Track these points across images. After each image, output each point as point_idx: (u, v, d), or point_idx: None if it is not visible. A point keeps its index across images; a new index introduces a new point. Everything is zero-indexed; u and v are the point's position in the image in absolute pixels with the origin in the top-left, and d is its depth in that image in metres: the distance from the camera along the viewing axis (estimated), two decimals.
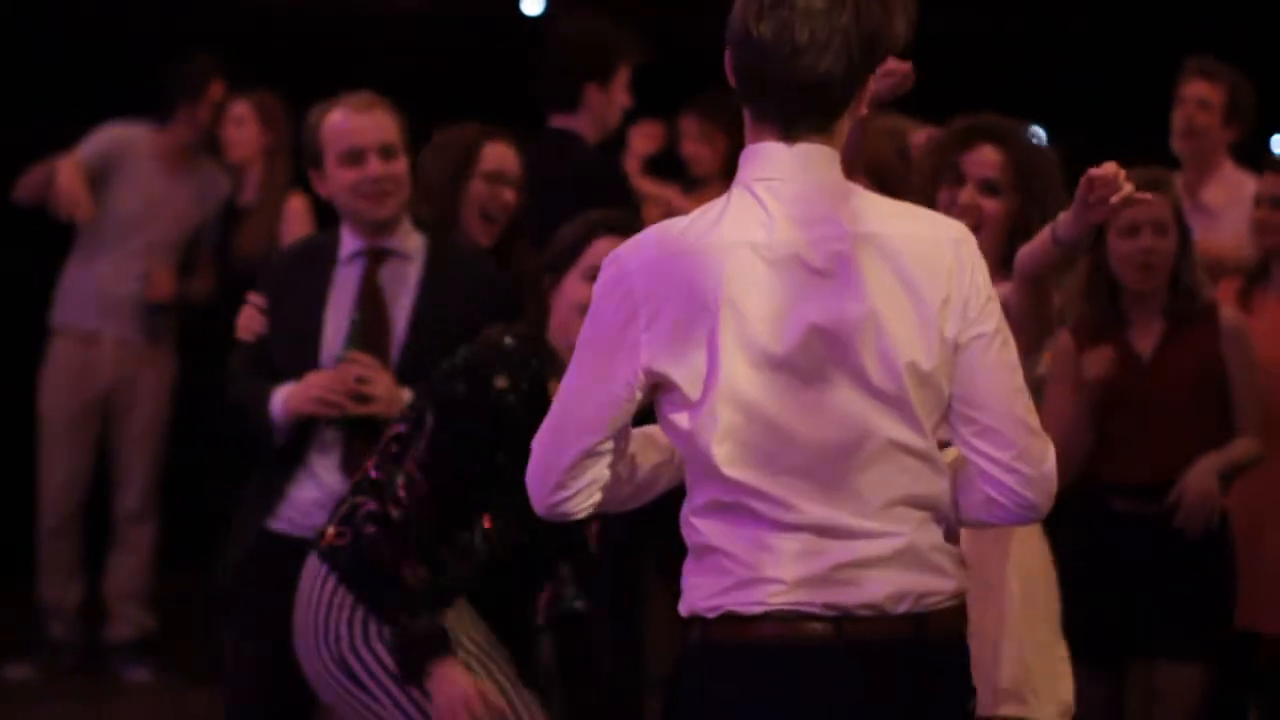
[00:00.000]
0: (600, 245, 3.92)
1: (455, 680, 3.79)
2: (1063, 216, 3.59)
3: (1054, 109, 7.50)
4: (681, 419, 2.83)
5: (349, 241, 4.46)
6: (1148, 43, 7.74)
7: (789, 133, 2.85)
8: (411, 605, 3.82)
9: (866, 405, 2.80)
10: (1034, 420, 2.88)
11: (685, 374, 2.81)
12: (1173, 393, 4.77)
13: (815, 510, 2.80)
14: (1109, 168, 3.43)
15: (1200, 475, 4.71)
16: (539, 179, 4.95)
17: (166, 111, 7.15)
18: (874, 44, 2.84)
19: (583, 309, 3.82)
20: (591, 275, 3.83)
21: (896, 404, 2.80)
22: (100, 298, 7.14)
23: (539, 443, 2.95)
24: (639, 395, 2.86)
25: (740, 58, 2.86)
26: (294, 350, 4.36)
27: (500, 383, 3.84)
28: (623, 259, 2.87)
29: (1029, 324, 3.80)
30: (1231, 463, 4.77)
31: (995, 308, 2.88)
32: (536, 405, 3.76)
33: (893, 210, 2.89)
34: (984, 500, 2.88)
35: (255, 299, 4.47)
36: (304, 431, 4.33)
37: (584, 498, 2.93)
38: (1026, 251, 3.75)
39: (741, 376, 2.79)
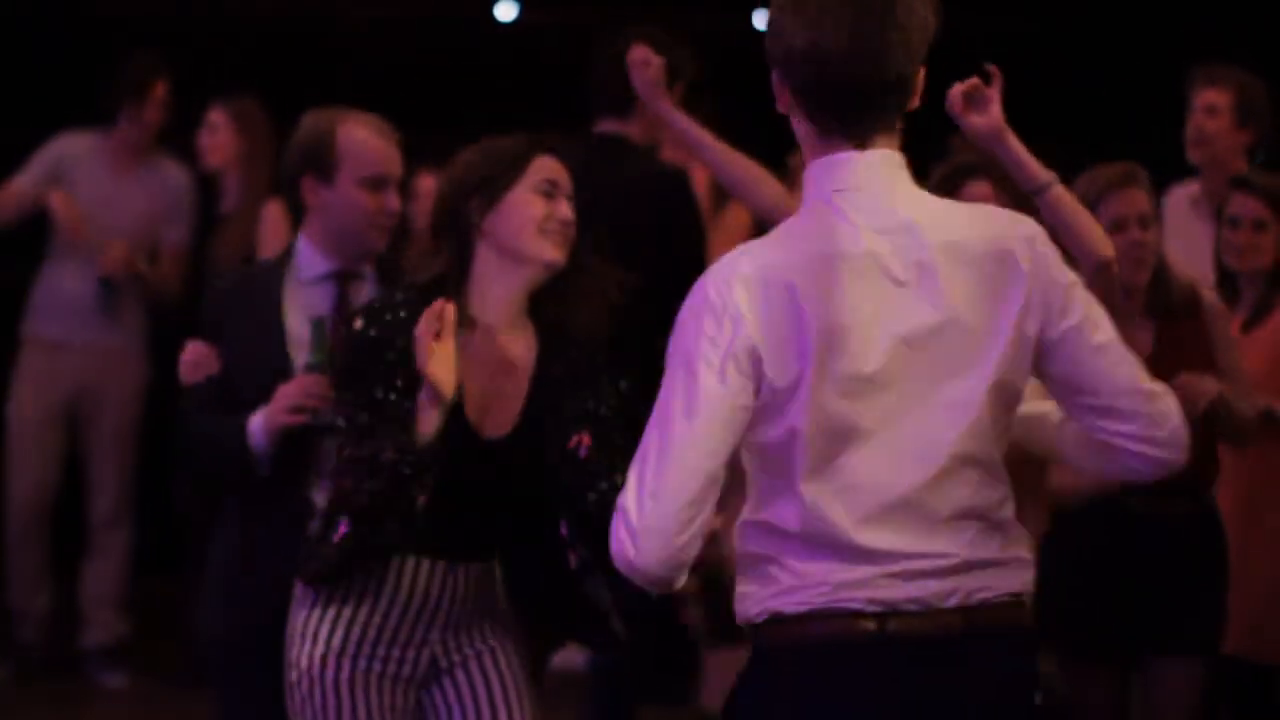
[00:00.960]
0: (544, 161, 3.84)
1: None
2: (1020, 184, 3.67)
3: (1066, 118, 7.50)
4: (764, 430, 2.80)
5: (317, 262, 4.28)
6: (1163, 49, 7.72)
7: (862, 139, 2.85)
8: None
9: (939, 418, 2.80)
10: (1147, 382, 2.88)
11: (778, 382, 2.78)
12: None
13: (874, 535, 2.78)
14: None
15: (1199, 376, 4.68)
16: (589, 180, 4.95)
17: (112, 113, 7.15)
18: (926, 35, 2.85)
19: (539, 222, 3.78)
20: (541, 188, 3.81)
21: (969, 414, 2.80)
22: (64, 305, 7.15)
23: (646, 489, 2.78)
24: (750, 401, 2.78)
25: (805, 73, 2.84)
26: (264, 376, 4.17)
27: (357, 324, 3.81)
28: (711, 280, 2.84)
29: None
30: (1228, 401, 4.76)
31: (1077, 293, 2.87)
32: (399, 330, 3.75)
33: (965, 214, 2.91)
34: (1122, 467, 2.91)
35: (198, 346, 4.27)
36: (295, 469, 4.16)
37: (698, 540, 2.80)
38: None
39: (827, 390, 2.77)
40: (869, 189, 2.85)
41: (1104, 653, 4.79)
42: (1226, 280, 5.33)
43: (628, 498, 2.79)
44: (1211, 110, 6.06)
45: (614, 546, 2.81)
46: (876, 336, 2.79)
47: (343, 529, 3.78)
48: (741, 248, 2.90)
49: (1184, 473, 4.62)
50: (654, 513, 2.77)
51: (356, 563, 3.80)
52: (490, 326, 3.84)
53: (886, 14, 2.82)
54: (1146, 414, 2.88)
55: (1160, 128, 6.32)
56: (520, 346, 3.88)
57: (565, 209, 3.84)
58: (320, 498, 4.05)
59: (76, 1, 8.43)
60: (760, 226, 6.19)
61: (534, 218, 3.81)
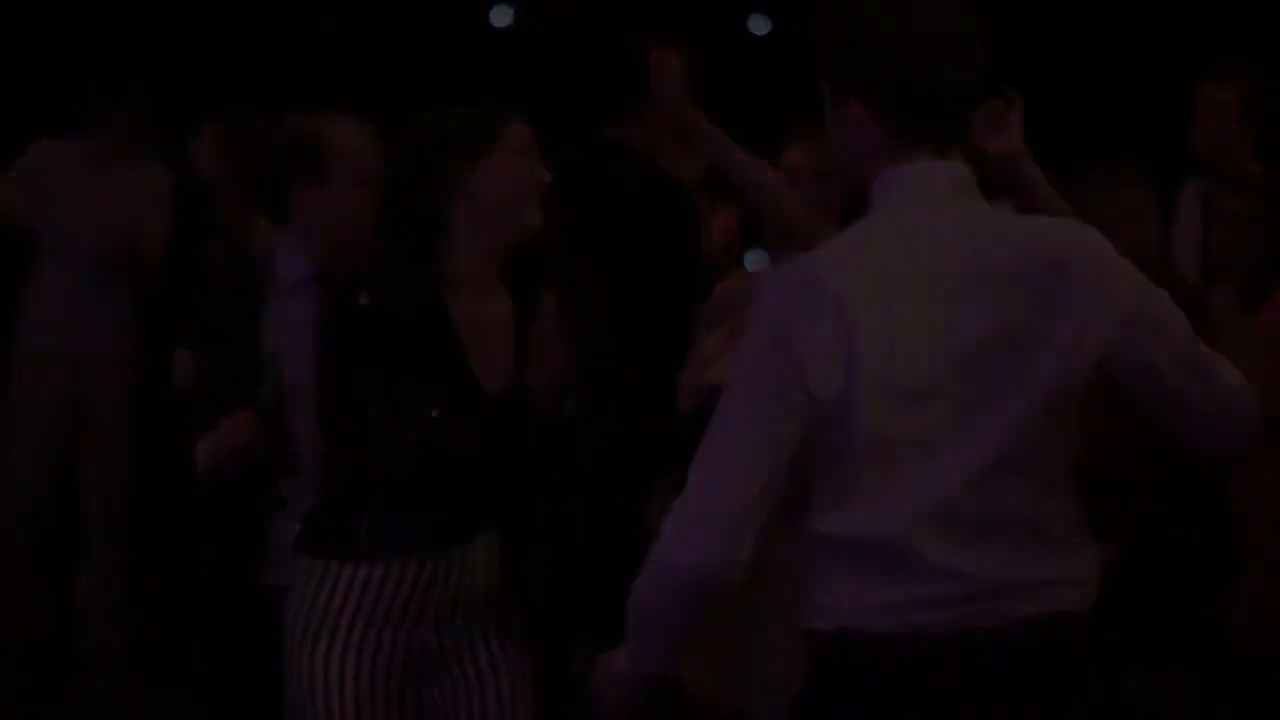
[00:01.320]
0: (519, 124, 3.88)
1: None
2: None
3: (1068, 118, 7.49)
4: (813, 440, 2.80)
5: (300, 268, 4.30)
6: (1166, 50, 7.73)
7: (945, 143, 2.86)
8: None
9: (989, 428, 2.78)
10: (1222, 377, 2.90)
11: (827, 393, 2.77)
12: None
13: (909, 543, 2.77)
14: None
15: None
16: (591, 184, 4.95)
17: (95, 117, 7.19)
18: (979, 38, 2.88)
19: (523, 184, 3.82)
20: (519, 151, 3.84)
21: (1020, 425, 2.79)
22: (55, 313, 7.20)
23: (708, 488, 2.81)
24: (806, 407, 2.78)
25: (901, 76, 2.83)
26: (239, 387, 4.21)
27: (362, 300, 3.81)
28: (770, 287, 2.85)
29: None
30: None
31: (1150, 303, 2.88)
32: (405, 299, 3.79)
33: (1025, 225, 2.91)
34: (1192, 444, 2.94)
35: (184, 355, 4.36)
36: (262, 468, 4.20)
37: (751, 543, 2.81)
38: None
39: (876, 401, 2.76)
40: (934, 200, 2.84)
41: (1098, 663, 4.81)
42: (1210, 273, 5.36)
43: (687, 499, 2.82)
44: (1218, 107, 6.09)
45: (666, 550, 2.83)
46: (928, 348, 2.78)
47: (392, 516, 3.81)
48: (800, 256, 2.91)
49: (1188, 484, 4.69)
50: (715, 510, 2.80)
51: (419, 547, 3.85)
52: (473, 287, 3.86)
53: (963, 16, 2.85)
54: (1216, 413, 2.90)
55: (1166, 125, 6.35)
56: (500, 306, 3.92)
57: (544, 171, 3.89)
58: (296, 492, 4.12)
59: (76, 2, 8.46)
60: (752, 230, 6.23)
61: (519, 180, 3.85)
